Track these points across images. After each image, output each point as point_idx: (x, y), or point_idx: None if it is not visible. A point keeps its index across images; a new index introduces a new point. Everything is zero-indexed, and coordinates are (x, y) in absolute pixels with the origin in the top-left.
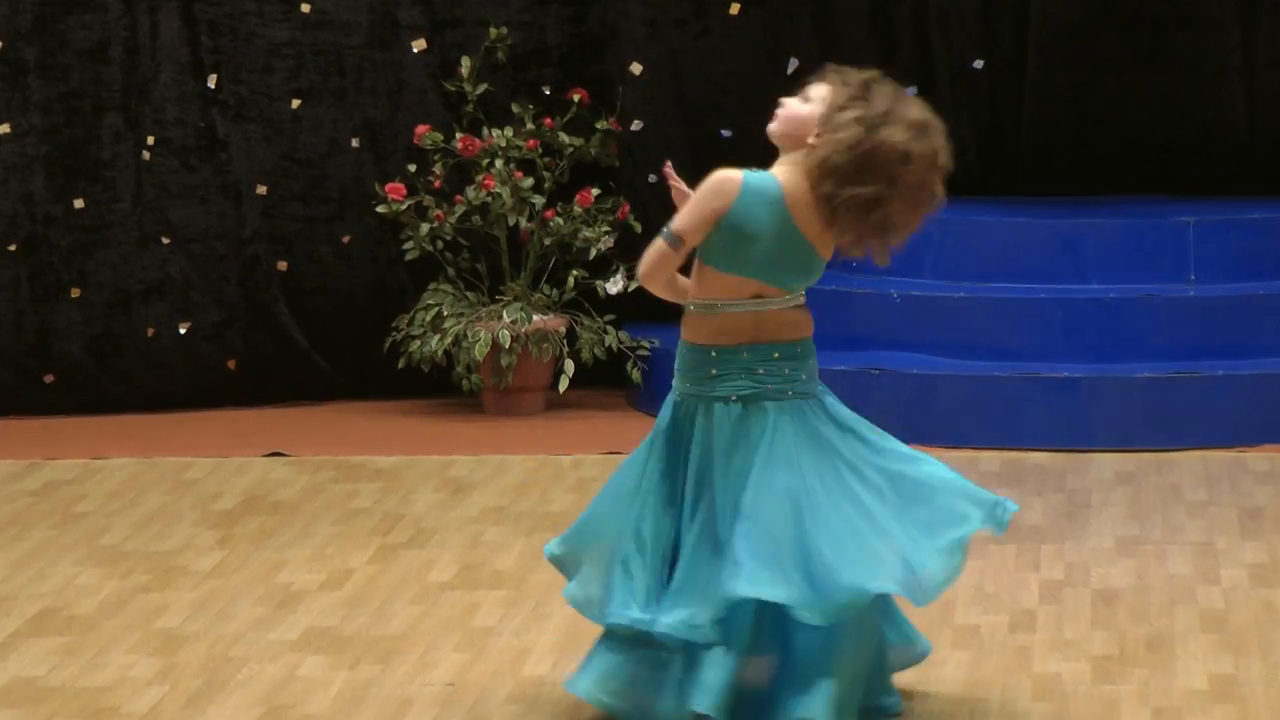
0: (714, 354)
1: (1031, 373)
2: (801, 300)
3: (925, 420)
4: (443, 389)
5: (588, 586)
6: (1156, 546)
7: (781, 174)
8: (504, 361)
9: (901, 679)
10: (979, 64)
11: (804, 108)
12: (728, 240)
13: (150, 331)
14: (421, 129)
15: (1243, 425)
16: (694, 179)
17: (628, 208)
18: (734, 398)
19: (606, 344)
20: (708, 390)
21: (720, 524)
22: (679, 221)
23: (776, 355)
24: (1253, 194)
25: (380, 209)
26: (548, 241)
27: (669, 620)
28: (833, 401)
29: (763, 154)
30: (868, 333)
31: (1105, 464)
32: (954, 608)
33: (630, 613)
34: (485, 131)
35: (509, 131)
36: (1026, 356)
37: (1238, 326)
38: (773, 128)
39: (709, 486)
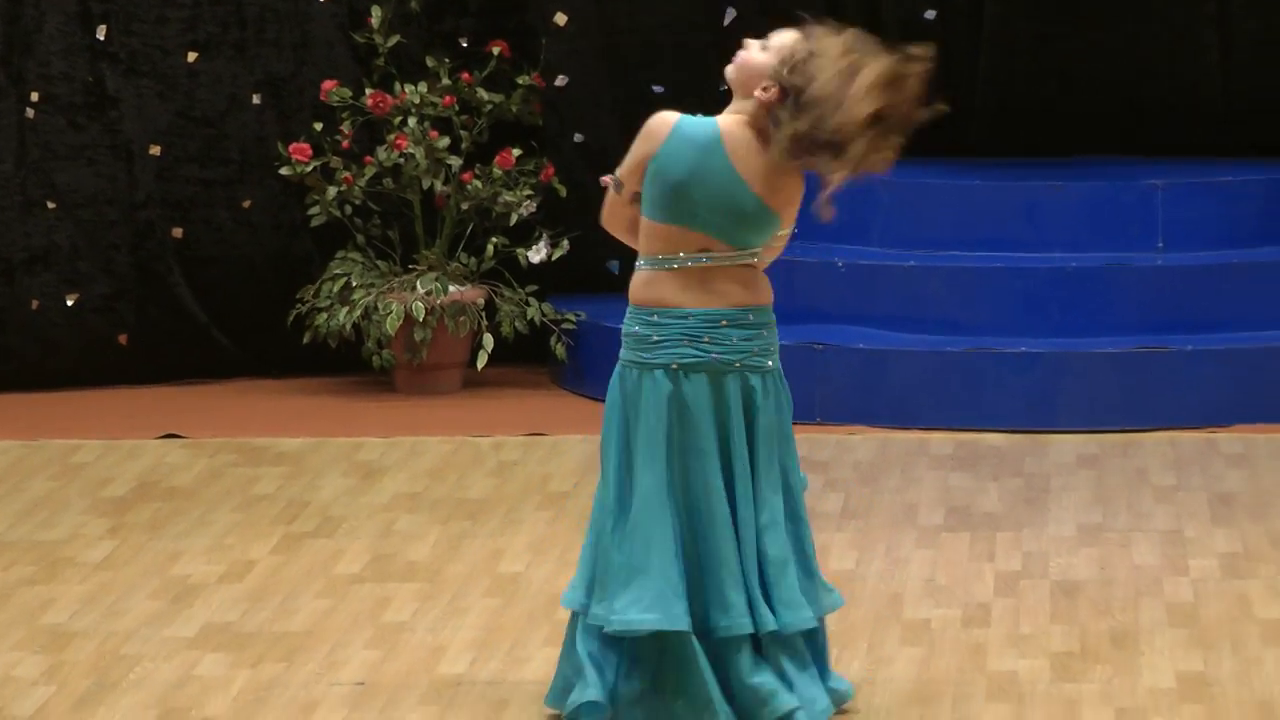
0: (655, 318)
1: (987, 348)
2: (753, 261)
3: (873, 399)
4: (352, 366)
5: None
6: (1121, 535)
7: (724, 120)
8: (418, 336)
9: (847, 676)
10: (931, 14)
11: (759, 56)
12: (658, 186)
13: (35, 304)
14: (328, 84)
15: (1214, 404)
16: (624, 136)
17: (552, 170)
18: (674, 366)
19: (529, 317)
20: (648, 358)
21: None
22: (621, 165)
23: (724, 322)
24: (1226, 155)
25: (284, 171)
26: (465, 206)
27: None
28: (785, 400)
29: (698, 112)
30: (811, 305)
31: (1066, 446)
32: (903, 601)
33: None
34: (397, 87)
35: (423, 87)
36: (982, 331)
37: (1210, 298)
38: (729, 70)
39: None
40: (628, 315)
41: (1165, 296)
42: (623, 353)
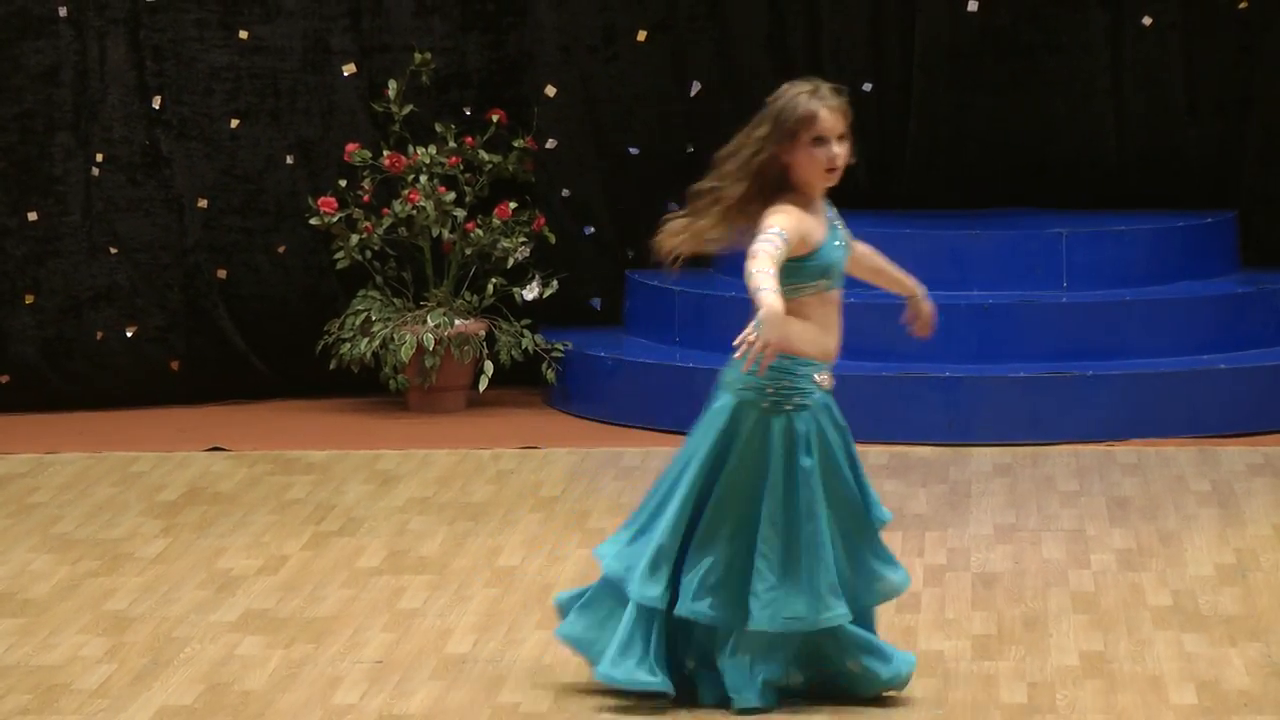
0: None
1: (917, 373)
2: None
3: None
4: (371, 388)
5: None
6: (1032, 533)
7: None
8: (428, 363)
9: None
10: (868, 86)
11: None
12: None
13: (99, 335)
14: (351, 147)
15: (1111, 421)
16: (605, 191)
17: (543, 220)
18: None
19: (523, 346)
20: None
21: None
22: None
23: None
24: (1121, 207)
25: (313, 221)
26: (468, 251)
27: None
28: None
29: (668, 171)
30: None
31: (985, 457)
32: None
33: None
34: (410, 149)
35: (433, 149)
36: (912, 358)
37: (1107, 330)
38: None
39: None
40: None
41: (1069, 329)
42: None
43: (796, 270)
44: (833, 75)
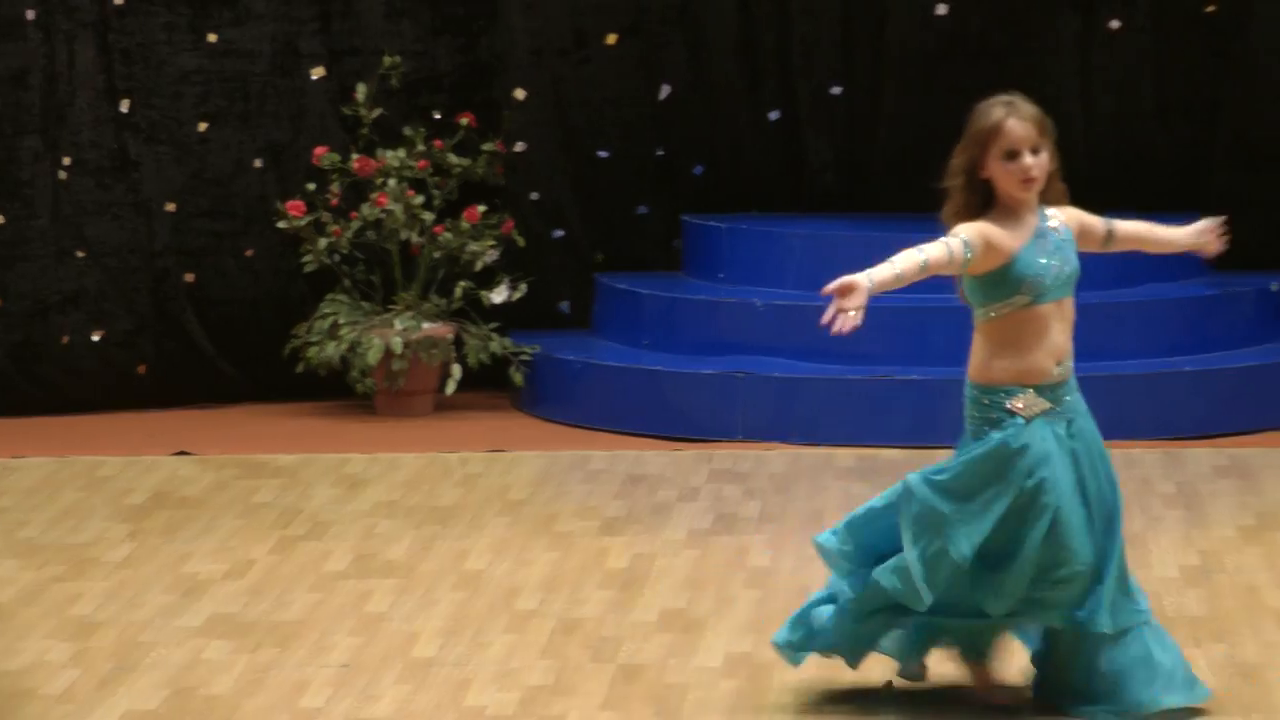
0: None
1: (885, 376)
2: (979, 328)
3: (787, 419)
4: (339, 392)
5: None
6: None
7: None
8: (396, 366)
9: (760, 657)
10: (838, 90)
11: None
12: None
13: (66, 339)
14: (320, 150)
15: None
16: (574, 195)
17: (511, 224)
18: None
19: (491, 350)
20: None
21: None
22: None
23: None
24: (1088, 210)
25: (281, 225)
26: (437, 255)
27: None
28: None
29: (638, 174)
30: (735, 339)
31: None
32: (810, 593)
33: None
34: (379, 153)
35: (401, 152)
36: (880, 360)
37: (1075, 334)
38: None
39: None
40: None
41: None
42: None
43: (990, 285)
44: (802, 78)
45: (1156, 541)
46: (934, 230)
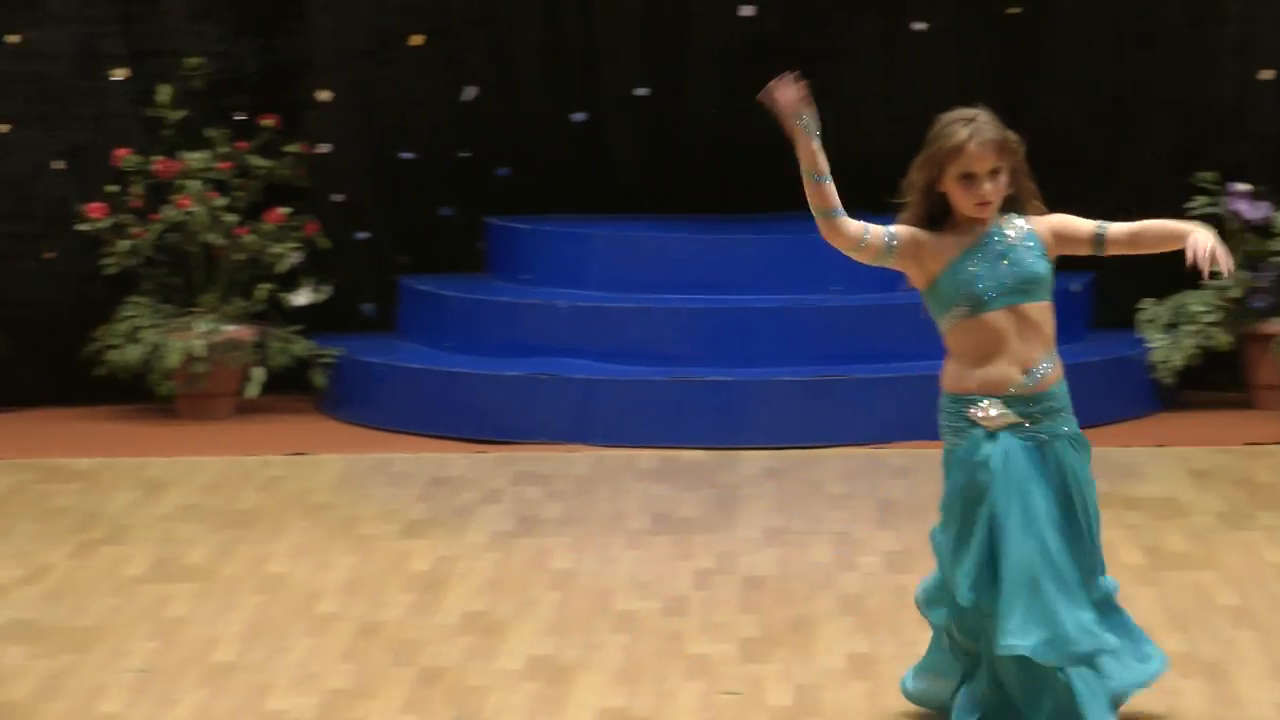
0: None
1: (686, 377)
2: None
3: (589, 421)
4: (140, 395)
5: None
6: (799, 536)
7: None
8: (197, 369)
9: (575, 660)
10: (643, 91)
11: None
12: None
13: None
14: (122, 152)
15: (880, 424)
16: (378, 197)
17: (315, 225)
18: None
19: (293, 352)
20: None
21: None
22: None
23: None
24: (892, 211)
25: (82, 227)
26: (240, 257)
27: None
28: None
29: (442, 176)
30: (537, 340)
31: (754, 461)
32: (614, 595)
33: None
34: (182, 154)
35: (204, 154)
36: (682, 362)
37: (877, 334)
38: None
39: None
40: (1067, 388)
41: (839, 333)
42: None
43: (931, 297)
44: (607, 79)
45: None
46: (741, 232)
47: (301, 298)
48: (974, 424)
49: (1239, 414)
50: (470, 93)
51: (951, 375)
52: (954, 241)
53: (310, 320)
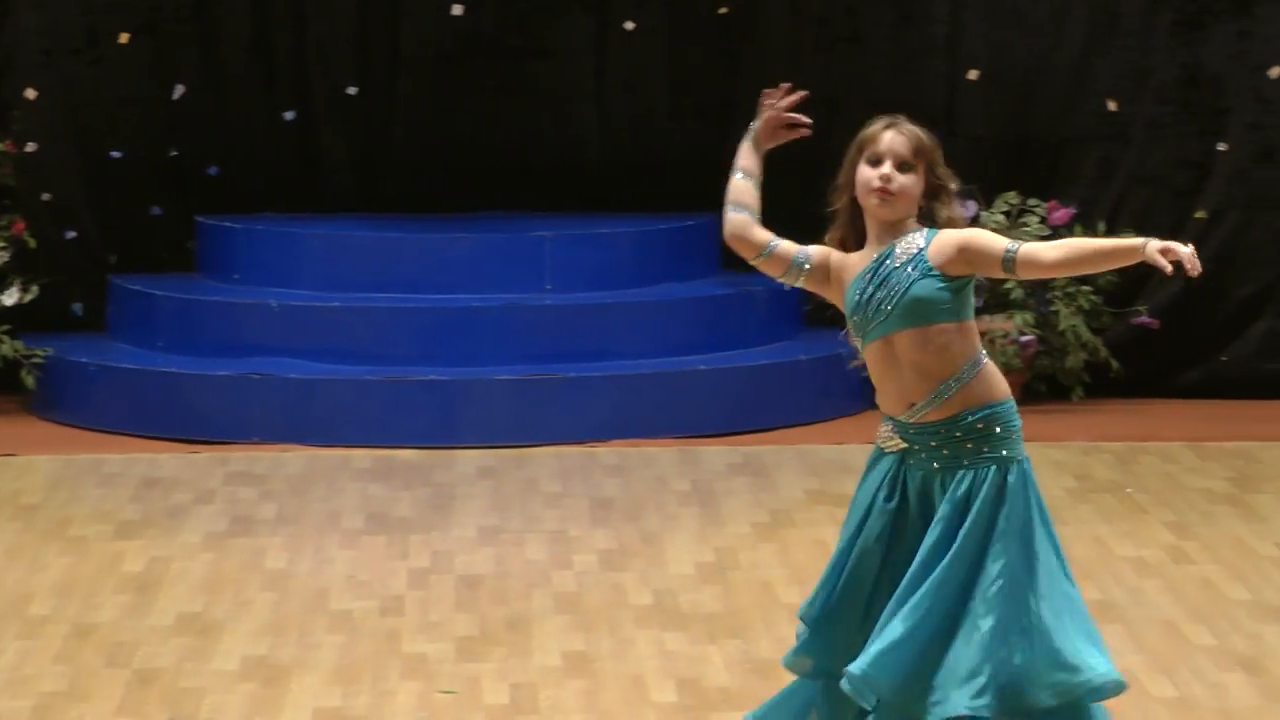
0: None
1: (401, 376)
2: None
3: (304, 422)
4: None
5: None
6: (515, 535)
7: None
8: None
9: (277, 659)
10: (353, 90)
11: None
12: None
13: None
14: None
15: (594, 423)
16: (87, 195)
17: (23, 225)
18: None
19: (1, 353)
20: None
21: None
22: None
23: None
24: (603, 210)
25: None
26: None
27: None
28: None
29: (152, 175)
30: (252, 340)
31: (469, 460)
32: (330, 595)
33: None
34: None
35: None
36: (396, 361)
37: (591, 332)
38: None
39: None
40: (1009, 410)
41: (553, 331)
42: (1021, 449)
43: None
44: (318, 78)
45: (673, 540)
46: (455, 231)
47: (9, 298)
48: (877, 439)
49: None
50: (179, 91)
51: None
52: (858, 262)
53: (18, 320)
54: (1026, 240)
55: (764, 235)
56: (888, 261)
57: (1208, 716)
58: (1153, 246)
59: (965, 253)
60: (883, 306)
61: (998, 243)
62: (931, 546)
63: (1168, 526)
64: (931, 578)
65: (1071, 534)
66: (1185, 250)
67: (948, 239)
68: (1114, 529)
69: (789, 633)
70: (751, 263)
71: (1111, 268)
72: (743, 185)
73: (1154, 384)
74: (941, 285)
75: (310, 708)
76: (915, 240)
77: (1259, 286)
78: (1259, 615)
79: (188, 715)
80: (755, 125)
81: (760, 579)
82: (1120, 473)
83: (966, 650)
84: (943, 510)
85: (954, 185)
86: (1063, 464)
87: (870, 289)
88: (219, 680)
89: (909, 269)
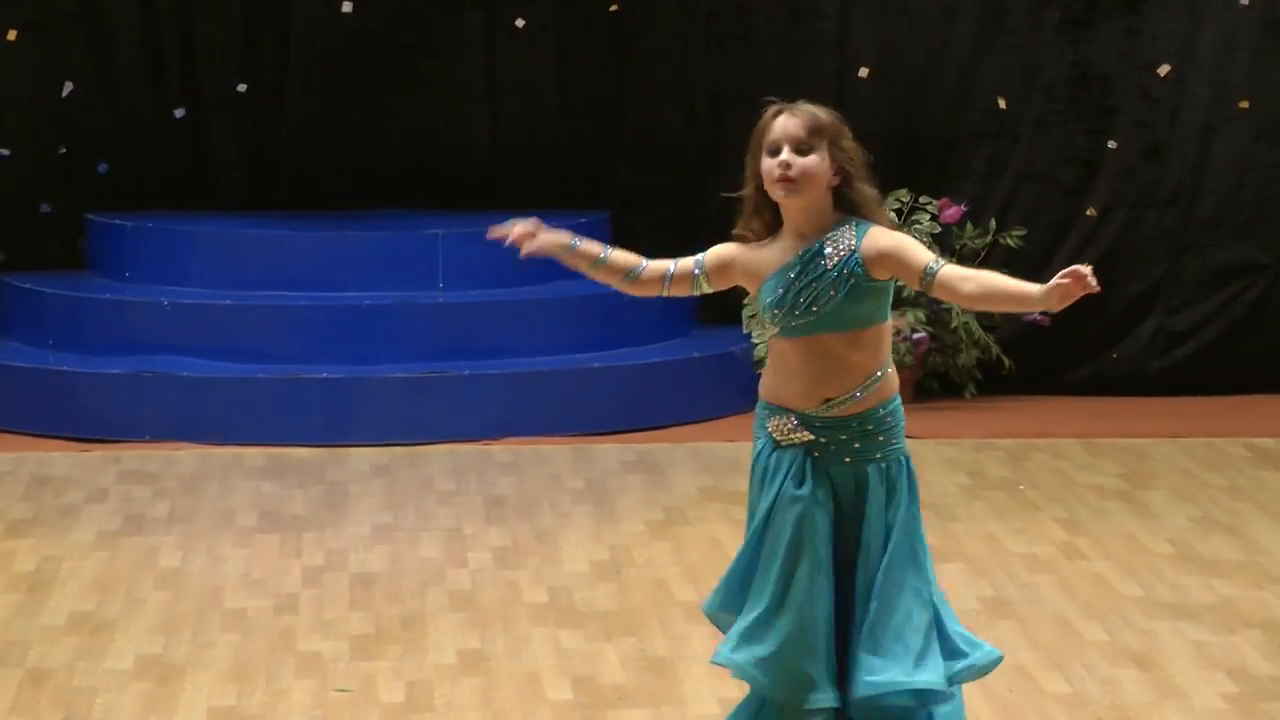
0: None
1: (294, 375)
2: None
3: (197, 420)
4: None
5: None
6: (409, 533)
7: None
8: None
9: (171, 658)
10: (242, 87)
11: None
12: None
13: None
14: None
15: (488, 420)
16: None
17: None
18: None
19: None
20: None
21: None
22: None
23: None
24: (495, 208)
25: None
26: None
27: None
28: None
29: (40, 173)
30: (143, 339)
31: (362, 458)
32: (223, 593)
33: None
34: None
35: None
36: (289, 360)
37: (484, 330)
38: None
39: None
40: (897, 407)
41: (446, 329)
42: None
43: (758, 307)
44: (206, 76)
45: (567, 537)
46: (346, 229)
47: None
48: (769, 434)
49: None
50: (68, 88)
51: (762, 380)
52: (777, 254)
53: None
54: (947, 262)
55: (656, 272)
56: (819, 260)
57: (1100, 712)
58: (1051, 284)
59: (889, 259)
60: (811, 307)
61: (921, 258)
62: (869, 541)
63: (1059, 523)
64: (881, 570)
65: (964, 530)
66: (1084, 269)
67: (878, 243)
68: (1006, 525)
69: (684, 630)
70: (660, 295)
71: (1014, 310)
72: (610, 264)
73: (1045, 381)
74: (876, 289)
75: (205, 707)
76: (846, 239)
77: (1148, 284)
78: (1151, 611)
79: (81, 715)
80: (573, 244)
81: (655, 576)
82: (1012, 469)
83: (885, 636)
84: (872, 503)
85: (861, 159)
86: (955, 461)
87: (797, 286)
88: (112, 679)
89: (844, 271)
